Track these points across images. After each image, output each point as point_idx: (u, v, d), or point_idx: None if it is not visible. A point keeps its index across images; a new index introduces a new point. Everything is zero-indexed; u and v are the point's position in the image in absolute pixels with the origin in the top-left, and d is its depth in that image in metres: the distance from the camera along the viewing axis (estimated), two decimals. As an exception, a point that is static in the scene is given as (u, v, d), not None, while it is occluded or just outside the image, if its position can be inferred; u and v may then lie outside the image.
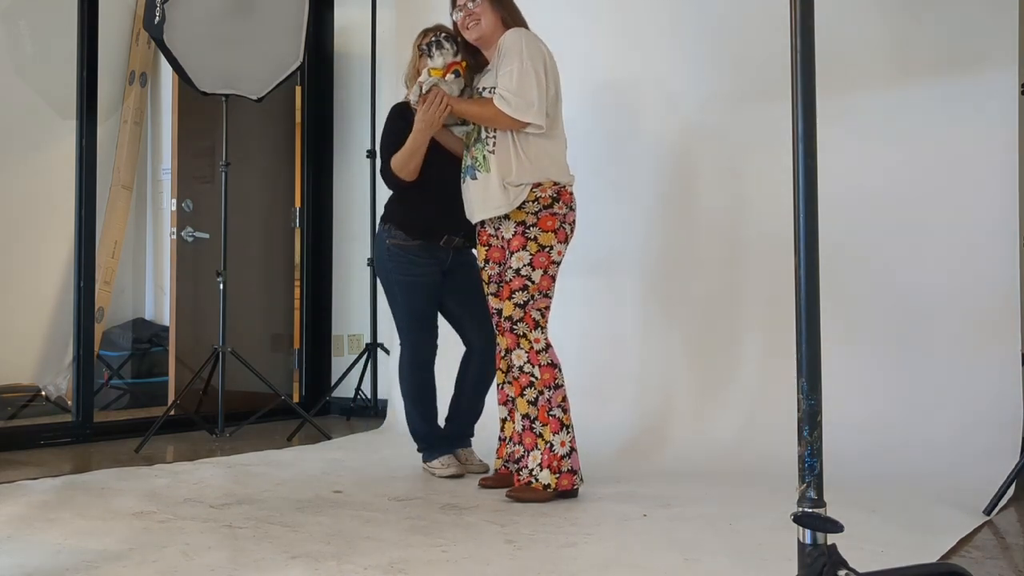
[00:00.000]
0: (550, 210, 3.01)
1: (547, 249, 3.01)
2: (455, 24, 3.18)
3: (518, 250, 3.01)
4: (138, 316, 5.80)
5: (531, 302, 3.00)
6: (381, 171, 3.37)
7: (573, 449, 2.99)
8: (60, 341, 5.10)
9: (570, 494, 2.97)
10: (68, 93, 4.39)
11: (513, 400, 3.07)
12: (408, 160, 3.23)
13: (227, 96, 4.34)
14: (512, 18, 3.11)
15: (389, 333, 4.67)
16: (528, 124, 2.97)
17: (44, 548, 2.36)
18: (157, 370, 5.45)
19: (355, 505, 2.88)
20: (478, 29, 3.10)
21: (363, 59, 5.23)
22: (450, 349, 3.50)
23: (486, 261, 3.19)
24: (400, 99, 3.51)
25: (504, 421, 3.23)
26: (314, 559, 2.24)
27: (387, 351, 4.84)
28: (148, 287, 5.89)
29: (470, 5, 3.09)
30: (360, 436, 4.40)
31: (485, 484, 3.17)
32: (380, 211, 3.66)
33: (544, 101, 2.98)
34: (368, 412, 4.93)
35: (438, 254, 3.36)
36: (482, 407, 3.49)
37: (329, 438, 4.30)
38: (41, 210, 5.08)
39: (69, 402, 4.63)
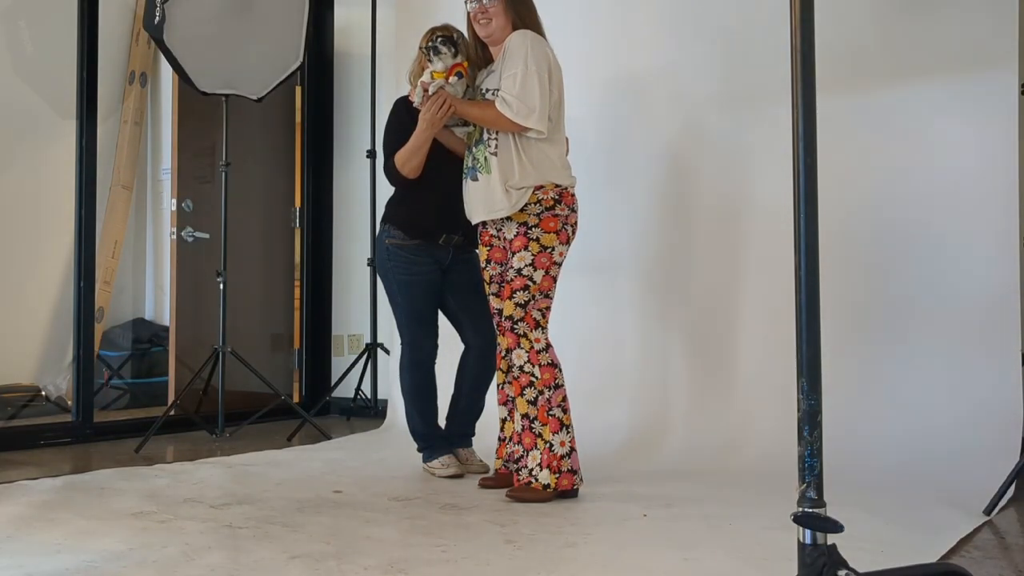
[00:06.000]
0: (552, 212, 3.01)
1: (549, 250, 3.01)
2: (468, 15, 3.16)
3: (520, 250, 3.01)
4: (138, 316, 5.79)
5: (532, 302, 3.00)
6: (384, 166, 3.38)
7: (573, 449, 2.99)
8: (60, 341, 5.10)
9: (570, 494, 2.97)
10: (68, 93, 4.39)
11: (513, 400, 3.07)
12: (410, 157, 3.24)
13: (227, 96, 4.34)
14: (524, 21, 3.09)
15: (389, 333, 4.67)
16: (529, 129, 2.97)
17: (44, 548, 2.36)
18: (157, 370, 5.44)
19: (355, 505, 2.88)
20: (488, 27, 3.10)
21: (363, 59, 5.23)
22: (450, 349, 3.50)
23: (487, 261, 3.19)
24: (400, 95, 3.51)
25: (504, 421, 3.23)
26: (314, 559, 2.24)
27: (387, 351, 4.84)
28: (148, 287, 5.89)
29: (485, 2, 3.08)
30: (360, 436, 4.40)
31: (485, 484, 3.17)
32: (380, 211, 3.66)
33: (547, 107, 2.97)
34: (368, 412, 4.93)
35: (437, 253, 3.36)
36: (482, 406, 3.49)
37: (329, 438, 4.30)
38: (41, 210, 5.08)
39: (69, 402, 4.63)
